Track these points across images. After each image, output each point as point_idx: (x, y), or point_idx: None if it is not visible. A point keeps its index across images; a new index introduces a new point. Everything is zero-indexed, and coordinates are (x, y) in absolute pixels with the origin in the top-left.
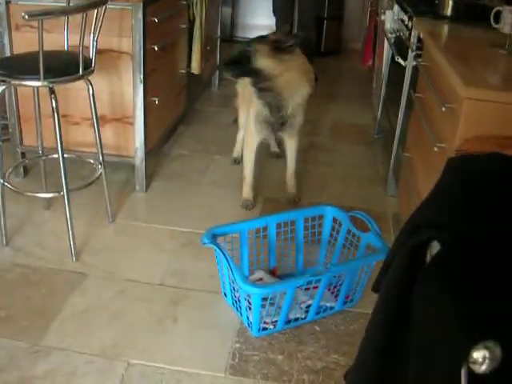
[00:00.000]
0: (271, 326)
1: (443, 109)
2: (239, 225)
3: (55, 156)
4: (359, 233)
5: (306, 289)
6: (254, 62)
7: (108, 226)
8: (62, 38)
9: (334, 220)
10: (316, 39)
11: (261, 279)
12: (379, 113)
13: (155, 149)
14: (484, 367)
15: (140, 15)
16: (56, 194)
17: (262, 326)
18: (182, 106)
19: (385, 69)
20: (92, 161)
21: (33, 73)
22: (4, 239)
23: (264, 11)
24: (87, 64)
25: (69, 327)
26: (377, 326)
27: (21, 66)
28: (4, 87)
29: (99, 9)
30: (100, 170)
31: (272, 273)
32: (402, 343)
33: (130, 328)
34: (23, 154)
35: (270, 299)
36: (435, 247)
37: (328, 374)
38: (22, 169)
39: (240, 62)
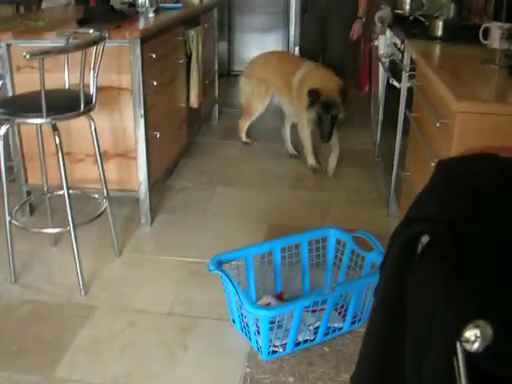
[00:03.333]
0: (281, 349)
1: (437, 124)
2: (244, 251)
3: (60, 193)
4: (363, 253)
5: (313, 311)
6: None
7: (115, 259)
8: (62, 77)
9: (338, 242)
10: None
11: (269, 304)
12: (378, 136)
13: (159, 182)
14: (476, 345)
15: (138, 51)
16: (62, 229)
17: (272, 349)
18: (183, 140)
19: (381, 93)
20: (97, 196)
21: (35, 111)
22: (13, 276)
23: (260, 45)
24: (88, 100)
25: (80, 359)
26: (377, 316)
27: (23, 105)
28: (8, 126)
29: (98, 46)
30: (105, 204)
31: (279, 297)
32: (400, 329)
33: (141, 358)
34: (28, 193)
35: (278, 321)
36: (426, 240)
37: None
38: (28, 207)
39: None
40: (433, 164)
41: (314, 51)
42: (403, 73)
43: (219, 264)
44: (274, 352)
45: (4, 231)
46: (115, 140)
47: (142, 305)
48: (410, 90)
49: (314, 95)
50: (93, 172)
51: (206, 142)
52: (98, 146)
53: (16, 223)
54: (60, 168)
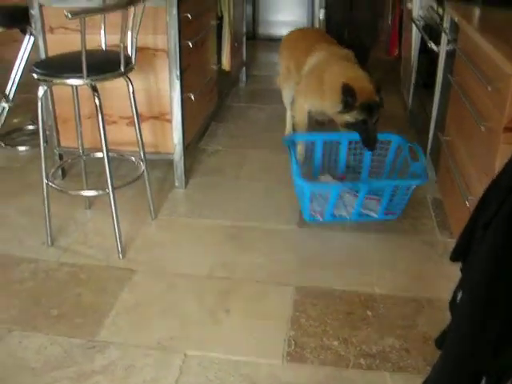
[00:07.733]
0: (318, 215)
1: (489, 88)
2: (315, 135)
3: (96, 155)
4: (411, 161)
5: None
6: None
7: (151, 222)
8: (95, 39)
9: (398, 147)
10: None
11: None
12: (410, 101)
13: (191, 145)
14: None
15: (175, 11)
16: (101, 192)
17: (312, 213)
18: (214, 103)
19: (414, 57)
20: (134, 159)
21: (75, 71)
22: (49, 239)
23: (285, 7)
24: (127, 61)
25: (123, 322)
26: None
27: (61, 66)
28: (46, 88)
29: (138, 6)
30: (142, 167)
31: (340, 179)
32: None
33: (183, 321)
34: (60, 156)
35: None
36: None
37: (384, 357)
38: (60, 170)
39: None
40: (482, 128)
41: (339, 13)
42: (442, 36)
43: (292, 142)
44: (314, 216)
45: (39, 194)
46: (149, 102)
47: (181, 268)
48: (449, 53)
49: (348, 96)
50: (126, 134)
51: (236, 105)
52: (136, 108)
53: (53, 185)
54: (100, 130)
